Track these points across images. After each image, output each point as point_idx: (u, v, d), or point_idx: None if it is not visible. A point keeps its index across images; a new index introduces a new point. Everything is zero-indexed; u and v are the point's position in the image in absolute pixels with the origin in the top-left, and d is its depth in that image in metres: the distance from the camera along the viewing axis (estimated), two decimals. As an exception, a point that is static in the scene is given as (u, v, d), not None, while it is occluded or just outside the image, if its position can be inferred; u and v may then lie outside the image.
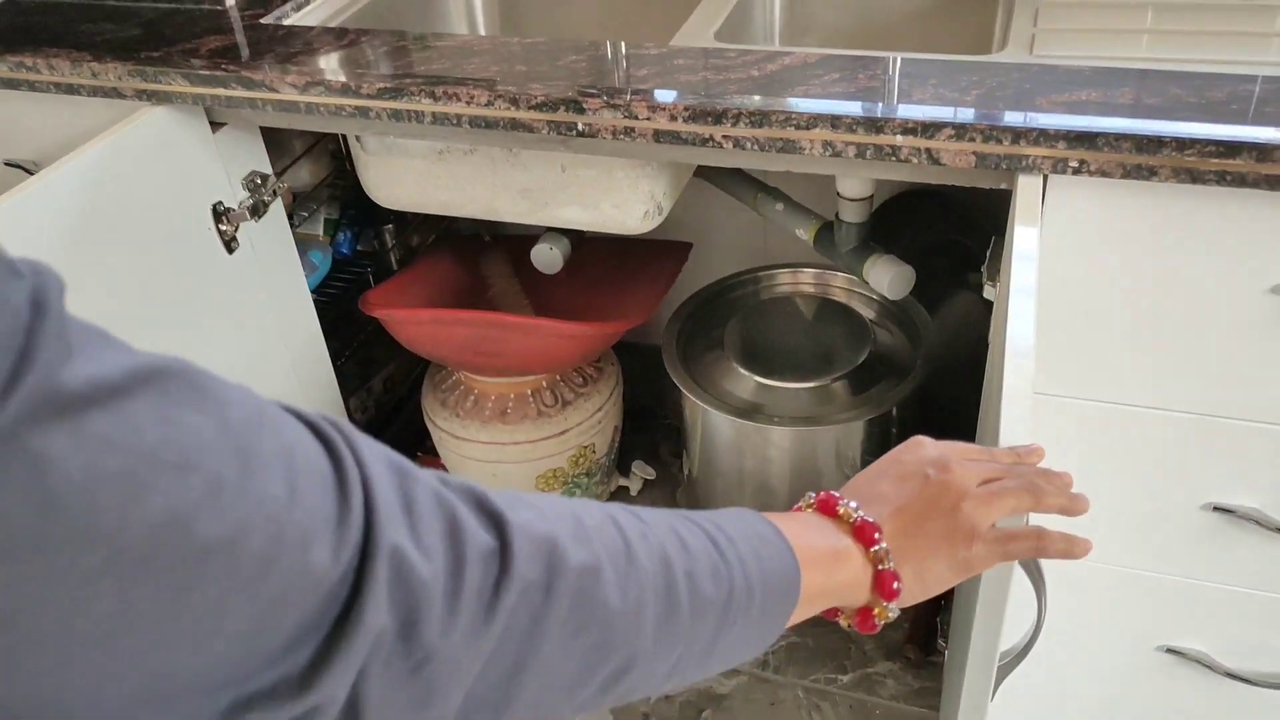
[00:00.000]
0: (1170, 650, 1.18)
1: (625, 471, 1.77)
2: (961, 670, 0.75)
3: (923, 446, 0.66)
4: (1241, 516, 1.05)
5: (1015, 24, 1.14)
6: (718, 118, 0.94)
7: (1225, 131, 0.83)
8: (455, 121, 1.03)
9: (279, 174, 1.50)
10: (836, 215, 1.40)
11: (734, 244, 1.76)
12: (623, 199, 1.26)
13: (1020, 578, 0.70)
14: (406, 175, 1.33)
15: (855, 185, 1.35)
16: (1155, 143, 0.84)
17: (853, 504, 0.62)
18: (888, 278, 1.35)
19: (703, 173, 1.56)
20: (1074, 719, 1.28)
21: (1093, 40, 1.10)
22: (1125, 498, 1.08)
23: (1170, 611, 1.15)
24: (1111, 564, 1.13)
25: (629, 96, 0.96)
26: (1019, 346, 0.72)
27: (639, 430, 1.85)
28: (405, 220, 1.80)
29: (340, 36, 1.17)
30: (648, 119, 0.96)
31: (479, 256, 1.70)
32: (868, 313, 1.48)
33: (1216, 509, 1.06)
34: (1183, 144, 0.84)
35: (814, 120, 0.92)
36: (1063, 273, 0.96)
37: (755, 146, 0.95)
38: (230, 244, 1.26)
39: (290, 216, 1.55)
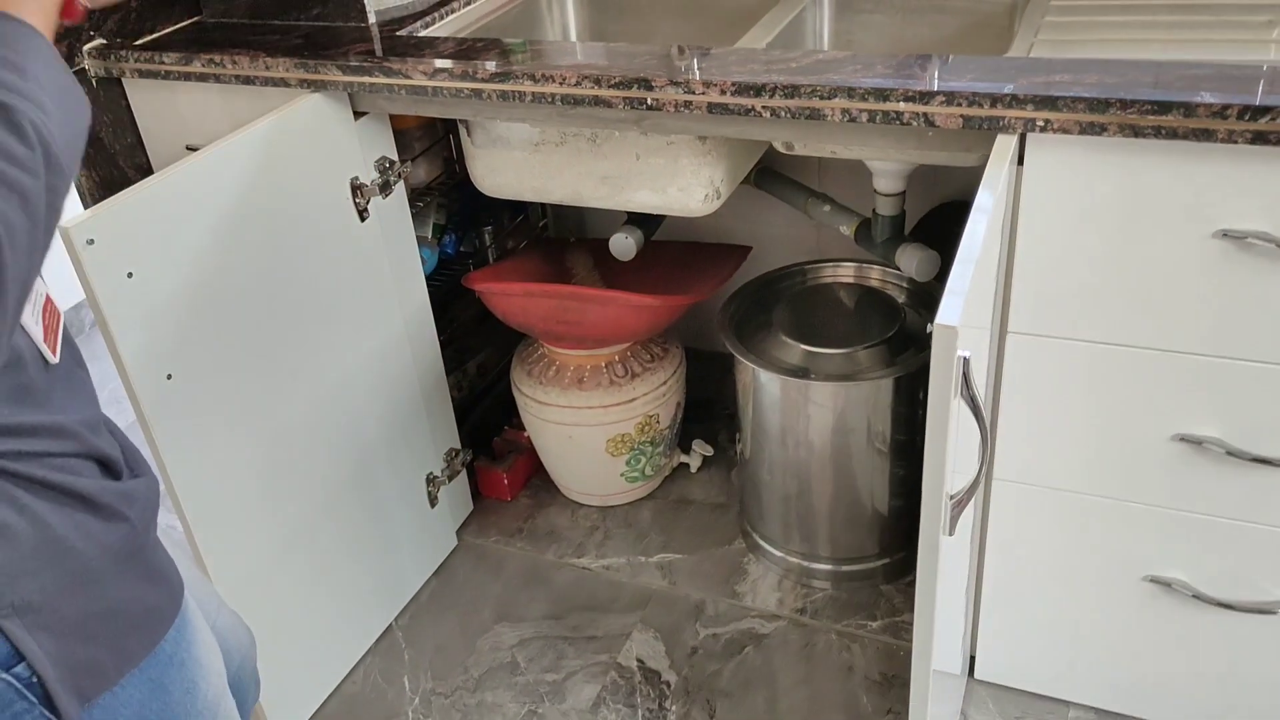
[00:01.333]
0: (1154, 580, 1.33)
1: (687, 449, 1.98)
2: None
3: None
4: (1208, 446, 1.22)
5: (1018, 40, 1.36)
6: (758, 91, 1.18)
7: (1161, 95, 1.04)
8: (551, 100, 1.28)
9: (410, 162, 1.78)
10: (874, 211, 1.62)
11: (789, 247, 1.99)
12: (687, 183, 1.50)
13: (964, 420, 0.90)
14: (507, 165, 1.59)
15: (888, 182, 1.57)
16: (1103, 103, 1.05)
17: None
18: (915, 261, 1.56)
19: (761, 183, 1.80)
20: (1064, 650, 1.44)
21: (1079, 47, 1.31)
22: (1100, 430, 1.26)
23: (1150, 541, 1.31)
24: (1092, 494, 1.30)
25: (689, 76, 1.21)
26: (966, 255, 0.92)
27: (700, 420, 2.06)
28: (502, 224, 2.07)
29: (460, 43, 1.44)
30: (703, 94, 1.20)
31: (565, 254, 1.95)
32: (899, 296, 1.68)
33: (1184, 439, 1.23)
34: (1125, 104, 1.04)
35: (834, 91, 1.15)
36: (1041, 226, 1.16)
37: (788, 115, 1.18)
38: (363, 214, 1.53)
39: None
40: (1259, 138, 1.01)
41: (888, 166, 1.53)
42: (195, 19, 1.66)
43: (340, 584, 1.62)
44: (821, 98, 1.16)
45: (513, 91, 1.30)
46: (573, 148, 1.53)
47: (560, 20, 1.84)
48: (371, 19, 1.56)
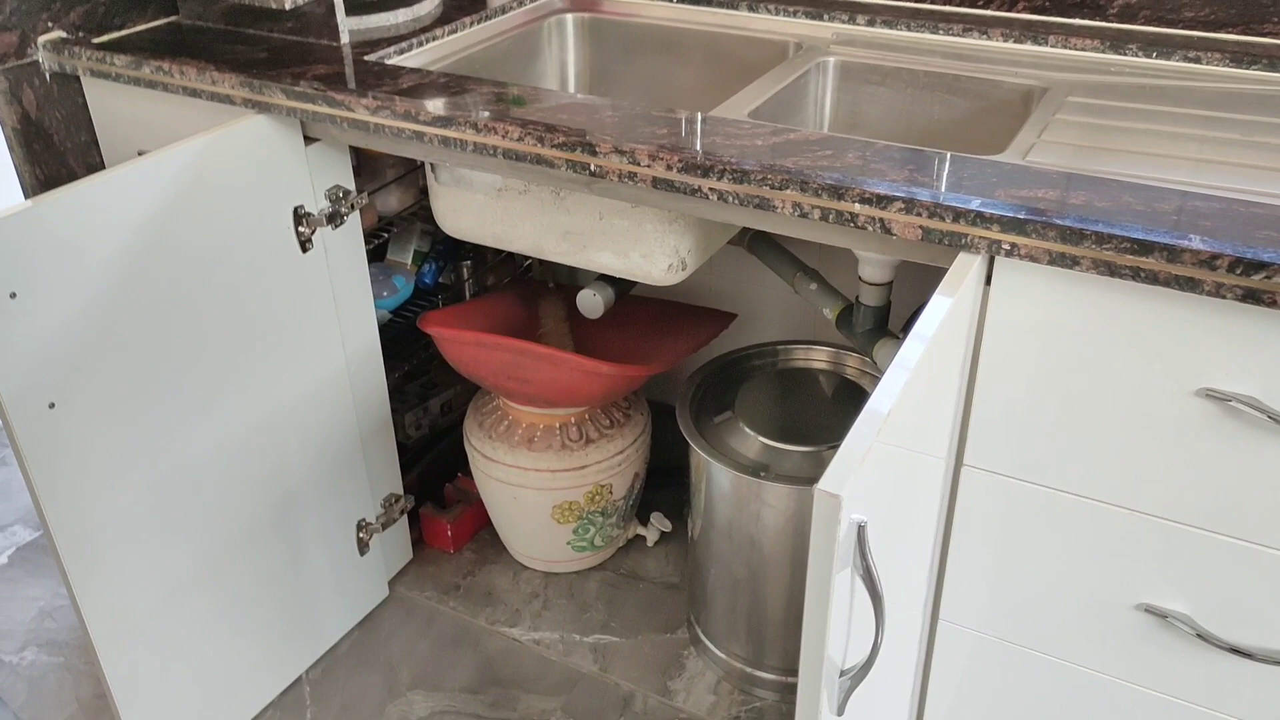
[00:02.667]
0: (1106, 755, 1.19)
1: (646, 520, 1.86)
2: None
3: None
4: (1175, 622, 1.07)
5: (1021, 134, 1.23)
6: (705, 171, 1.06)
7: (1143, 233, 0.90)
8: (492, 152, 1.18)
9: (369, 193, 1.69)
10: (856, 298, 1.49)
11: (780, 319, 1.86)
12: (650, 250, 1.39)
13: (842, 600, 0.77)
14: (470, 207, 1.49)
15: (873, 270, 1.44)
16: (1078, 234, 0.92)
17: None
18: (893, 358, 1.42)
19: (754, 248, 1.68)
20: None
21: (1083, 154, 1.18)
22: (1057, 587, 1.12)
23: (1107, 717, 1.16)
24: (1046, 654, 1.16)
25: (634, 145, 1.10)
26: (872, 409, 0.79)
27: (665, 486, 1.94)
28: (483, 260, 1.97)
29: (424, 76, 1.34)
30: (648, 166, 1.09)
31: (539, 299, 1.85)
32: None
33: (1149, 610, 1.08)
34: (1102, 238, 0.91)
35: (786, 182, 1.03)
36: (1005, 353, 1.03)
37: (735, 201, 1.06)
38: (305, 244, 1.43)
39: (376, 234, 1.74)
40: (1250, 295, 0.87)
41: (872, 255, 1.41)
42: (171, 19, 1.59)
43: (247, 628, 1.52)
44: (772, 187, 1.04)
45: (454, 139, 1.20)
46: (536, 198, 1.43)
47: (559, 56, 1.74)
48: (344, 39, 1.47)
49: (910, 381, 0.82)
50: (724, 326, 1.76)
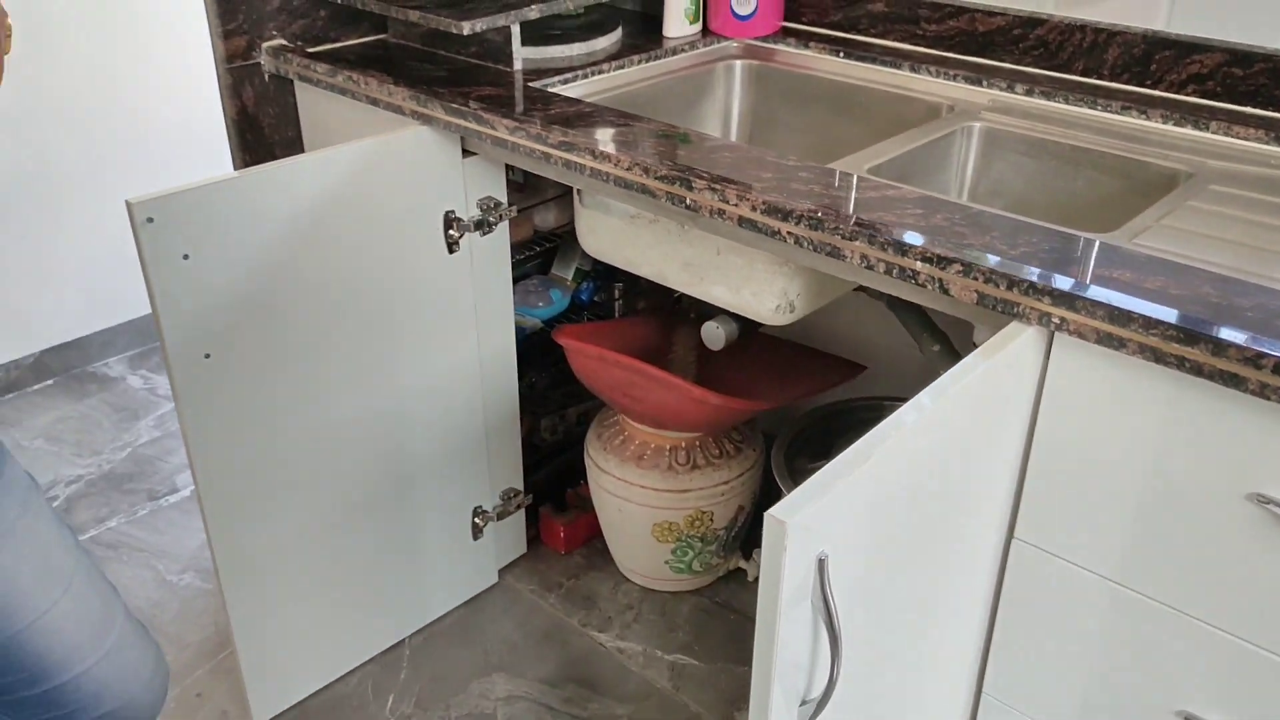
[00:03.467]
0: None
1: (749, 555, 1.89)
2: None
3: None
4: (1217, 739, 1.02)
5: (1142, 216, 1.20)
6: (785, 215, 1.11)
7: (1191, 321, 0.88)
8: (605, 178, 1.27)
9: (525, 209, 1.83)
10: (969, 364, 1.48)
11: (910, 376, 1.86)
12: (759, 289, 1.44)
13: (802, 630, 0.80)
14: (605, 230, 1.59)
15: (986, 335, 1.43)
16: (1124, 316, 0.91)
17: None
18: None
19: (891, 303, 1.70)
20: None
21: (1195, 243, 1.14)
22: (1097, 679, 1.08)
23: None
24: (1083, 747, 1.12)
25: (726, 184, 1.16)
26: (854, 450, 0.82)
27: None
28: (636, 285, 2.07)
29: (572, 105, 1.45)
30: (735, 205, 1.15)
31: (677, 328, 1.92)
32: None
33: (1183, 715, 1.03)
34: (1149, 323, 0.89)
35: (856, 233, 1.06)
36: (1060, 430, 1.02)
37: (810, 246, 1.10)
38: (452, 246, 1.57)
39: (531, 245, 1.88)
40: (1296, 400, 0.83)
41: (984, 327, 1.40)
42: (380, 36, 1.78)
43: (361, 587, 1.67)
44: (843, 237, 1.07)
45: (575, 162, 1.30)
46: (663, 228, 1.51)
47: (724, 99, 1.81)
48: (517, 65, 1.61)
49: (913, 433, 0.84)
50: (849, 377, 1.77)
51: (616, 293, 2.03)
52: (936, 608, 1.07)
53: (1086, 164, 1.44)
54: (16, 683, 0.97)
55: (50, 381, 2.58)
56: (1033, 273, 0.97)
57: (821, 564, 0.79)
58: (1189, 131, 1.42)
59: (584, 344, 1.67)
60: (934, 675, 1.15)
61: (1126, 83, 1.52)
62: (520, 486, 1.88)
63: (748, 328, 1.71)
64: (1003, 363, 0.96)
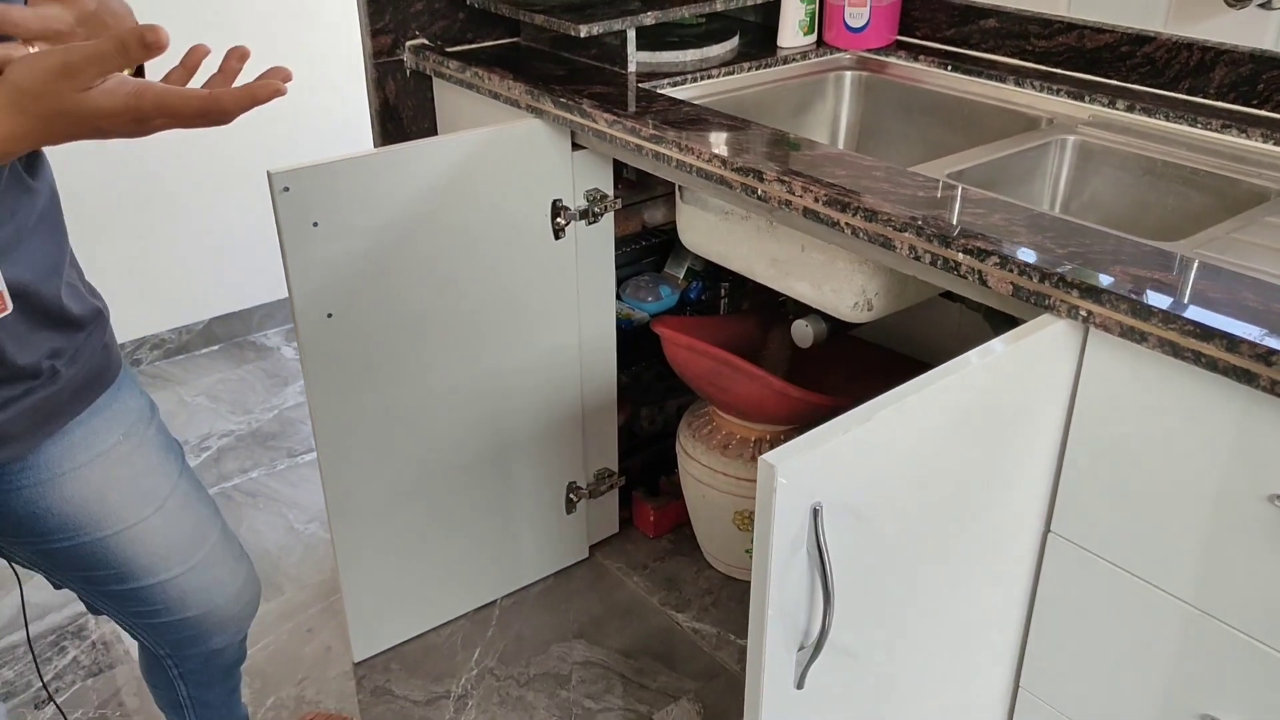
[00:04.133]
0: None
1: (830, 554, 1.93)
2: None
3: None
4: (1239, 744, 1.02)
5: (1215, 228, 1.21)
6: (844, 207, 1.18)
7: (1211, 318, 0.90)
8: (688, 169, 1.36)
9: (638, 203, 1.93)
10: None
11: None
12: (839, 286, 1.50)
13: (800, 585, 0.87)
14: (701, 225, 1.67)
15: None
16: (1146, 310, 0.94)
17: None
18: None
19: (990, 318, 1.72)
20: None
21: (1256, 254, 1.14)
22: (1126, 677, 1.10)
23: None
24: (1109, 744, 1.13)
25: (795, 178, 1.23)
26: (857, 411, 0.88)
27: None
28: (743, 285, 2.14)
29: (673, 104, 1.55)
30: (800, 196, 1.22)
31: (774, 326, 1.99)
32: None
33: (1206, 718, 1.04)
34: (1168, 317, 0.92)
35: (906, 225, 1.12)
36: (1092, 428, 1.05)
37: (865, 237, 1.16)
38: (559, 232, 1.69)
39: (635, 237, 1.98)
40: (1304, 398, 0.85)
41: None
42: (514, 39, 1.93)
43: (460, 546, 1.81)
44: (895, 229, 1.13)
45: (664, 154, 1.39)
46: (753, 225, 1.58)
47: (833, 109, 1.88)
48: (631, 68, 1.72)
49: (919, 402, 0.90)
50: (938, 383, 1.80)
51: (722, 291, 2.11)
52: (964, 591, 1.11)
53: (1178, 180, 1.45)
54: (108, 577, 1.13)
55: (216, 347, 2.84)
56: (1065, 267, 1.01)
57: (816, 513, 0.85)
58: (1289, 151, 1.40)
59: (677, 333, 1.76)
60: (968, 663, 1.19)
61: (1233, 102, 1.50)
62: (614, 468, 1.98)
63: (838, 329, 1.77)
64: (1030, 350, 1.00)
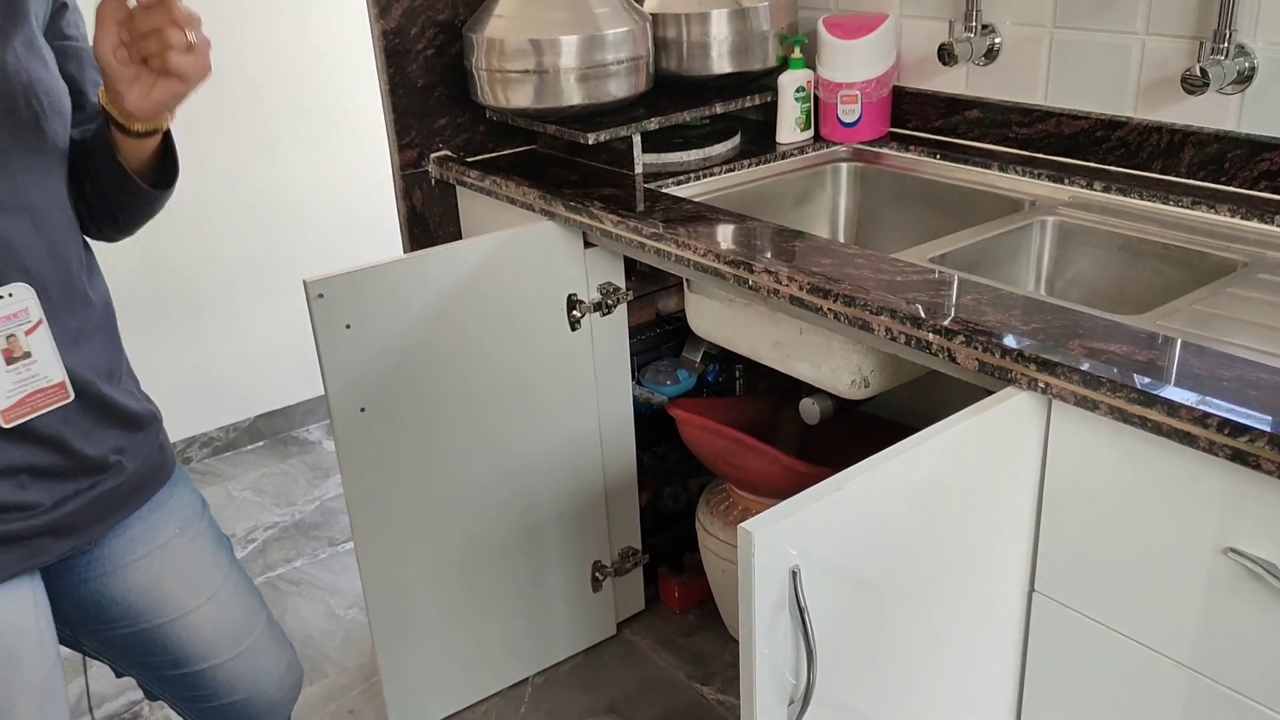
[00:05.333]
0: None
1: (849, 624, 1.99)
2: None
3: None
4: (1221, 790, 1.07)
5: (1179, 300, 1.29)
6: (825, 294, 1.28)
7: (1154, 386, 0.99)
8: (686, 264, 1.48)
9: (650, 294, 2.05)
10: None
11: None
12: (837, 365, 1.59)
13: (786, 644, 0.95)
14: (708, 312, 1.78)
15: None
16: (1096, 380, 1.02)
17: None
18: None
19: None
20: None
21: (1213, 324, 1.22)
22: (1114, 727, 1.16)
23: None
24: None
25: (779, 267, 1.34)
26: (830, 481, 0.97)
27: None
28: (756, 367, 2.24)
29: (676, 202, 1.68)
30: (786, 285, 1.33)
31: (784, 406, 2.08)
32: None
33: (1192, 769, 1.09)
34: (1115, 386, 1.01)
35: (881, 309, 1.22)
36: (1063, 490, 1.12)
37: (846, 320, 1.26)
38: (574, 325, 1.81)
39: (650, 325, 2.09)
40: (1237, 456, 0.93)
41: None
42: (531, 147, 2.07)
43: (492, 626, 1.89)
44: (872, 312, 1.23)
45: (664, 250, 1.51)
46: (755, 311, 1.69)
47: (832, 199, 1.99)
48: (638, 169, 1.85)
49: (890, 470, 0.99)
50: (943, 455, 1.88)
51: (737, 373, 2.21)
52: (954, 648, 1.18)
53: (1152, 255, 1.53)
54: (164, 662, 1.23)
55: (261, 443, 2.98)
56: (1024, 343, 1.10)
57: (795, 575, 0.94)
58: (1255, 224, 1.49)
59: (691, 415, 1.86)
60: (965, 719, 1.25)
61: (1202, 179, 1.60)
62: (638, 546, 2.06)
63: (845, 406, 1.86)
64: (996, 420, 1.08)
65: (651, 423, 2.10)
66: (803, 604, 0.95)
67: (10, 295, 0.98)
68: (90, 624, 1.18)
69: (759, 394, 2.16)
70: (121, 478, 1.12)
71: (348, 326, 1.58)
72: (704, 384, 2.26)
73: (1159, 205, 1.59)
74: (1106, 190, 1.65)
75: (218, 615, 1.26)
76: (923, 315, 1.18)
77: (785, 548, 0.93)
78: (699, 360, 2.28)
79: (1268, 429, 0.91)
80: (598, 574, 2.00)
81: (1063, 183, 1.70)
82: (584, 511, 1.95)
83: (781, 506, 0.94)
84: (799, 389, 2.27)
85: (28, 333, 0.99)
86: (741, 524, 0.91)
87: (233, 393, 2.94)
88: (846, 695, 1.05)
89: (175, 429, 2.83)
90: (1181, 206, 1.56)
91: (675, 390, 2.20)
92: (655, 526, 2.17)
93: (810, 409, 1.83)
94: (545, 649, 2.00)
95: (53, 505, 1.06)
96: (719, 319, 1.77)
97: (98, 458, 1.08)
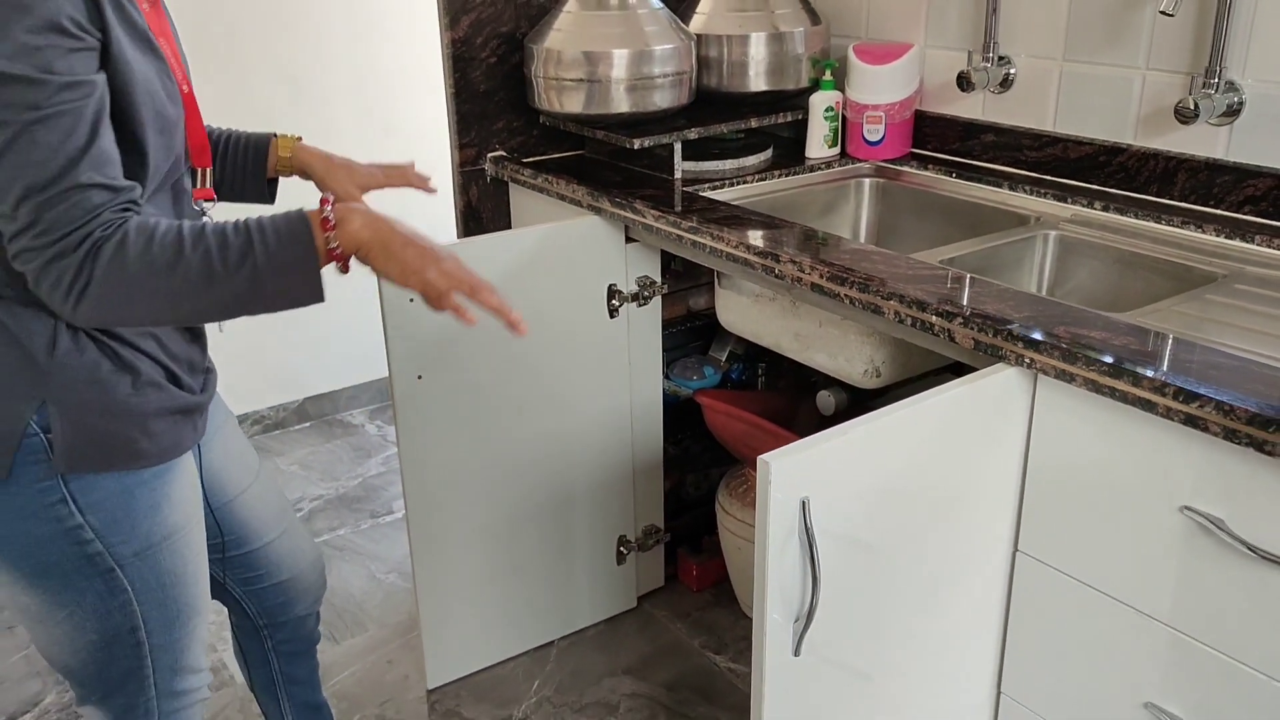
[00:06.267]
0: None
1: (854, 605, 2.14)
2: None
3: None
4: (1174, 726, 1.22)
5: (1162, 303, 1.44)
6: (841, 280, 1.44)
7: (1122, 360, 1.14)
8: (719, 254, 1.64)
9: (683, 290, 2.21)
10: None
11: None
12: (851, 356, 1.75)
13: (794, 567, 1.11)
14: (736, 306, 1.95)
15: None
16: (1072, 355, 1.18)
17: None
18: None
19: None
20: None
21: (1188, 322, 1.37)
22: (1085, 680, 1.30)
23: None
24: (1071, 734, 1.33)
25: (804, 258, 1.50)
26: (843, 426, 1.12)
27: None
28: (777, 366, 2.40)
29: (710, 204, 1.84)
30: (807, 273, 1.49)
31: (803, 399, 2.24)
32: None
33: (1151, 707, 1.24)
34: (1089, 361, 1.16)
35: (891, 294, 1.38)
36: (1046, 458, 1.28)
37: (860, 306, 1.43)
38: (613, 312, 1.98)
39: (680, 320, 2.26)
40: (1190, 421, 1.08)
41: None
42: (580, 152, 2.25)
43: (524, 589, 2.05)
44: (882, 298, 1.39)
45: (700, 242, 1.68)
46: (780, 305, 1.85)
47: (854, 211, 2.16)
48: (678, 174, 2.03)
49: (894, 422, 1.14)
50: (948, 449, 2.03)
51: (760, 371, 2.37)
52: (943, 593, 1.33)
53: (1143, 267, 1.69)
54: (229, 542, 1.40)
55: (308, 424, 3.16)
56: (1015, 326, 1.26)
57: (804, 505, 1.09)
58: (1238, 243, 1.64)
59: (716, 401, 2.02)
60: (951, 668, 1.40)
61: (1194, 203, 1.75)
62: (661, 524, 2.21)
63: (859, 399, 2.01)
64: (987, 389, 1.24)
65: (678, 414, 2.27)
66: (811, 532, 1.10)
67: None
68: None
69: (780, 390, 2.32)
70: (213, 374, 1.31)
71: (411, 300, 1.75)
72: (728, 381, 2.42)
73: (1152, 224, 1.74)
74: (1105, 209, 1.80)
75: (264, 495, 1.44)
76: (928, 300, 1.34)
77: (797, 479, 1.08)
78: (724, 359, 2.44)
79: (1214, 396, 1.06)
80: (622, 548, 2.16)
81: (1066, 201, 1.85)
82: (612, 488, 2.10)
83: (796, 444, 1.09)
84: (815, 386, 2.43)
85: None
86: (760, 456, 1.07)
87: (284, 375, 3.12)
88: (845, 619, 1.21)
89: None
90: (1172, 226, 1.72)
91: (701, 384, 2.37)
92: (677, 510, 2.32)
93: (826, 400, 1.98)
94: (570, 615, 2.15)
95: (202, 387, 1.25)
96: (746, 312, 1.93)
97: (208, 358, 1.29)
